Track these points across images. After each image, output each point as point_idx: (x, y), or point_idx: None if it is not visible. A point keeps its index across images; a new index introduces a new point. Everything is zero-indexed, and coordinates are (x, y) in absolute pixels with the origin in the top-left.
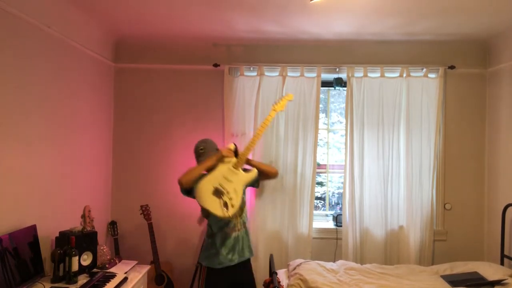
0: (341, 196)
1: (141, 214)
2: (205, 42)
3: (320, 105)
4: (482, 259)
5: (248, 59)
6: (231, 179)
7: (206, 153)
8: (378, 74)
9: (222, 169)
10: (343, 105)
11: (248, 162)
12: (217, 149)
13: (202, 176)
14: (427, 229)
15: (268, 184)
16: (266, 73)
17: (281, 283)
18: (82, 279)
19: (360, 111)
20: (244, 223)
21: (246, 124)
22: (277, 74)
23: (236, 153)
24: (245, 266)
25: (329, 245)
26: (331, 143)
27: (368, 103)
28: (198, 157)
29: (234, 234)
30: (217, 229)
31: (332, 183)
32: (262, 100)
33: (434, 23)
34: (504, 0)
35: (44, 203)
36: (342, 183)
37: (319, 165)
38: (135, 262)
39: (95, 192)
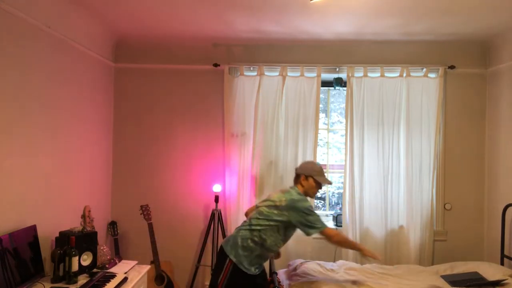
0: (341, 196)
1: (141, 214)
2: (205, 42)
3: (320, 105)
4: (482, 259)
5: (248, 59)
6: None
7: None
8: (378, 74)
9: None
10: (343, 105)
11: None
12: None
13: None
14: (427, 229)
15: (268, 183)
16: (266, 73)
17: (281, 283)
18: (82, 279)
19: (360, 111)
20: None
21: (246, 124)
22: (277, 74)
23: None
24: (264, 273)
25: (329, 245)
26: (331, 143)
27: (368, 103)
28: (318, 176)
29: (269, 257)
30: (270, 246)
31: (332, 183)
32: (262, 100)
33: (434, 23)
34: (504, 0)
35: (44, 203)
36: (342, 183)
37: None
38: (135, 262)
39: (95, 192)
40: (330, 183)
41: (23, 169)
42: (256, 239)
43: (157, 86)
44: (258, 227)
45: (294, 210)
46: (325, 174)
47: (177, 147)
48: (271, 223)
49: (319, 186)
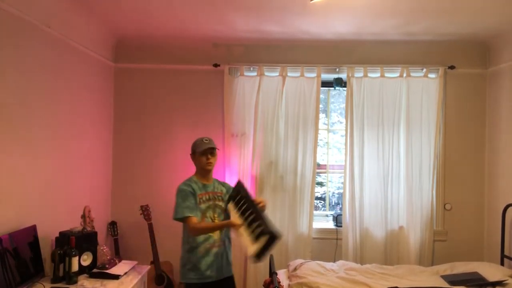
0: (341, 196)
1: (141, 214)
2: (205, 42)
3: (320, 105)
4: (482, 259)
5: (248, 59)
6: None
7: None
8: (378, 74)
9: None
10: (343, 105)
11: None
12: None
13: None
14: (427, 229)
15: (268, 184)
16: (266, 73)
17: (281, 283)
18: (82, 279)
19: (360, 111)
20: (224, 241)
21: (246, 124)
22: (277, 74)
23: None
24: (227, 285)
25: (329, 245)
26: (331, 143)
27: (368, 103)
28: (197, 147)
29: (214, 250)
30: (197, 243)
31: (332, 183)
32: (262, 100)
33: (434, 23)
34: (504, 0)
35: (44, 203)
36: (342, 183)
37: (319, 165)
38: (135, 262)
39: (95, 192)
40: (207, 144)
41: (23, 169)
42: (186, 248)
43: (157, 86)
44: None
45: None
46: (205, 140)
47: (177, 147)
48: None
49: (203, 154)
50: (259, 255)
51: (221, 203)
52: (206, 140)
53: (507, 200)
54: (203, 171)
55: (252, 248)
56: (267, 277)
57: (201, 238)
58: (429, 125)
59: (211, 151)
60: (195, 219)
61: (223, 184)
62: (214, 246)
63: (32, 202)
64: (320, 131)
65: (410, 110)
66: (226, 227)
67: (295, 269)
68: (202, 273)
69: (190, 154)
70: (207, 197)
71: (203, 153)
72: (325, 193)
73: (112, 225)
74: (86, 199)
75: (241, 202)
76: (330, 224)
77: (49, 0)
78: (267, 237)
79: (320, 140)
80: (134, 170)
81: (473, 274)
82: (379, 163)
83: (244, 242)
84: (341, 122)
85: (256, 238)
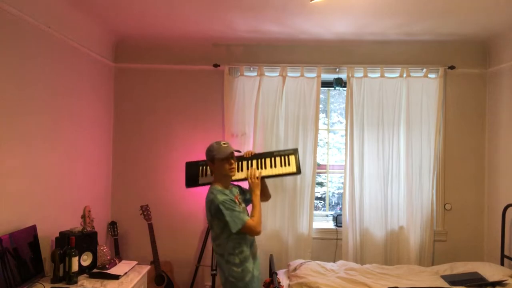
0: (341, 196)
1: (141, 214)
2: (205, 42)
3: (320, 105)
4: (482, 259)
5: (248, 59)
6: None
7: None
8: (378, 74)
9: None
10: (343, 105)
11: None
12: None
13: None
14: (427, 229)
15: (268, 183)
16: (266, 73)
17: (281, 283)
18: (82, 279)
19: (360, 111)
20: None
21: (246, 124)
22: (277, 74)
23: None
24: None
25: (329, 245)
26: (331, 143)
27: (368, 103)
28: (217, 151)
29: (258, 252)
30: (249, 250)
31: (332, 183)
32: (262, 100)
33: (434, 23)
34: (504, 0)
35: (44, 203)
36: (342, 183)
37: (319, 165)
38: (135, 262)
39: (95, 192)
40: (228, 148)
41: (23, 169)
42: (235, 262)
43: (157, 86)
44: (216, 244)
45: (213, 211)
46: (223, 144)
47: (177, 147)
48: (217, 233)
49: (226, 160)
50: (299, 169)
51: (244, 205)
52: (224, 144)
53: (507, 200)
54: (226, 178)
55: (290, 169)
56: (267, 277)
57: (249, 244)
58: (429, 125)
59: (232, 155)
60: (250, 219)
61: (233, 186)
62: (257, 249)
63: (32, 202)
64: (320, 131)
65: (410, 110)
66: (259, 193)
67: (295, 269)
68: (256, 278)
69: (207, 162)
70: (237, 201)
71: (225, 159)
72: (325, 193)
73: (112, 225)
74: (86, 199)
75: None
76: (330, 224)
77: (49, 0)
78: (293, 154)
79: (320, 140)
80: (134, 170)
81: (473, 274)
82: (379, 163)
83: (279, 172)
84: (341, 122)
85: (284, 163)
